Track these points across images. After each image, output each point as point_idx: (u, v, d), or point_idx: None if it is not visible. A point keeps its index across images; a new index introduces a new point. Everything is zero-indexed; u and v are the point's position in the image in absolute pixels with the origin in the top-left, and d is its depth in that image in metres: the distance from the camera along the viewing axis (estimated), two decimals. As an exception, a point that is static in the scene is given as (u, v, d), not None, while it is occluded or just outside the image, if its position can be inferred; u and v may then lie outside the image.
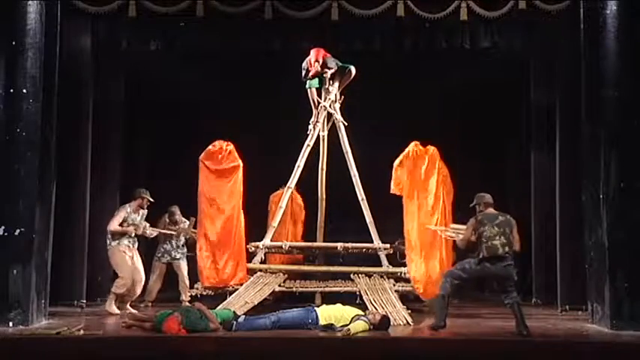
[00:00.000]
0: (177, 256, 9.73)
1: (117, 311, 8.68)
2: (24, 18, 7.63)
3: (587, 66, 8.14)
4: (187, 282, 9.48)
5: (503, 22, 9.34)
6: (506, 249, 7.19)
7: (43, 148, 7.71)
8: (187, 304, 8.96)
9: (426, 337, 7.29)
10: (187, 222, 9.71)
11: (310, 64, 9.41)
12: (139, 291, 9.09)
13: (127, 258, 8.86)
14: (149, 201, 9.07)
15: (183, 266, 9.66)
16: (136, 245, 9.10)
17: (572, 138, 9.16)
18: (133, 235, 8.96)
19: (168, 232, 9.62)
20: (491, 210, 7.48)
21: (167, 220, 9.80)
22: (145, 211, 9.15)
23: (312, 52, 9.42)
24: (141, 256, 9.24)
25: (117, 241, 8.88)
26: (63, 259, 8.97)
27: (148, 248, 10.71)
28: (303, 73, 9.53)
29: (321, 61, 9.36)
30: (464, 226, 7.71)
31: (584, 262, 8.18)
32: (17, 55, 7.58)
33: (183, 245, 9.79)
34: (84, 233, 9.57)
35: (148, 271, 9.92)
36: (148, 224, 9.17)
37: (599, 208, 7.76)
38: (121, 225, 8.88)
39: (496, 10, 9.00)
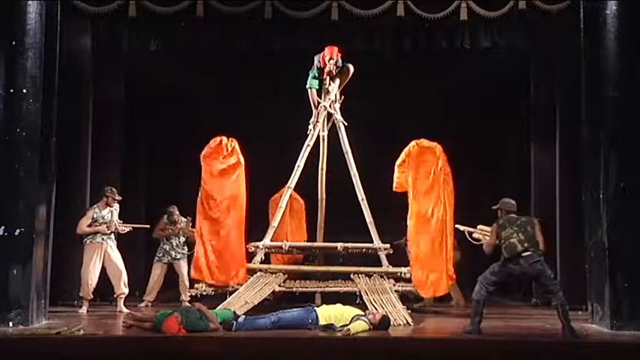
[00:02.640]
0: (178, 256, 9.74)
1: (84, 312, 8.83)
2: (24, 18, 7.63)
3: (587, 66, 8.14)
4: (187, 282, 9.48)
5: (503, 22, 9.35)
6: (526, 245, 7.05)
7: (43, 148, 7.71)
8: (187, 304, 8.98)
9: (426, 337, 7.30)
10: (185, 220, 9.72)
11: (324, 61, 9.39)
12: (123, 287, 9.08)
13: (93, 258, 8.97)
14: (114, 199, 9.13)
15: (184, 266, 9.65)
16: (113, 242, 9.14)
17: (572, 138, 9.17)
18: (109, 232, 9.04)
19: (140, 226, 9.65)
20: (512, 215, 7.38)
21: (166, 220, 9.81)
22: (116, 208, 9.19)
23: (327, 49, 9.38)
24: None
25: (89, 239, 9.03)
26: (63, 259, 8.98)
27: (148, 248, 10.73)
28: (315, 68, 9.49)
29: (335, 59, 9.35)
30: (489, 228, 7.65)
31: (584, 262, 8.18)
32: (17, 55, 7.57)
33: (183, 245, 9.79)
34: (84, 233, 9.57)
35: (149, 271, 9.96)
36: (120, 221, 9.19)
37: (599, 208, 7.76)
38: (91, 225, 9.01)
39: (496, 10, 9.01)
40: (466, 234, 8.35)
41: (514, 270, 7.12)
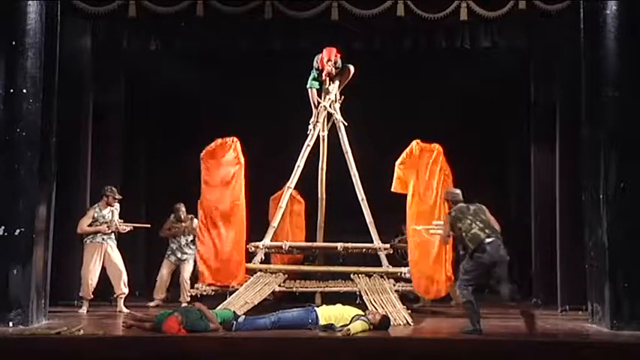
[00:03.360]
0: (184, 257, 9.66)
1: (84, 312, 8.83)
2: (24, 18, 7.63)
3: (587, 66, 8.14)
4: (188, 283, 9.41)
5: (503, 22, 9.34)
6: (487, 232, 7.21)
7: (43, 148, 7.71)
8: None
9: (426, 337, 7.30)
10: (190, 217, 9.65)
11: (322, 63, 9.40)
12: (123, 287, 9.04)
13: (93, 258, 8.96)
14: (114, 198, 9.12)
15: (188, 267, 9.60)
16: (113, 242, 9.12)
17: (572, 138, 9.16)
18: (109, 231, 9.02)
19: (140, 225, 9.60)
20: (461, 205, 7.56)
21: (172, 218, 9.77)
22: (116, 208, 9.17)
23: (325, 51, 9.40)
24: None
25: (89, 239, 9.02)
26: (63, 259, 8.97)
27: (149, 248, 10.72)
28: (315, 72, 9.51)
29: (333, 60, 9.35)
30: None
31: (584, 262, 8.18)
32: (17, 55, 7.58)
33: (192, 243, 9.63)
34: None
35: (150, 271, 9.94)
36: (120, 220, 9.16)
37: (599, 208, 7.76)
38: (92, 224, 9.00)
39: (496, 10, 8.99)
40: (423, 232, 8.47)
41: (483, 258, 7.17)
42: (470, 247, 7.24)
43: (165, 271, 9.71)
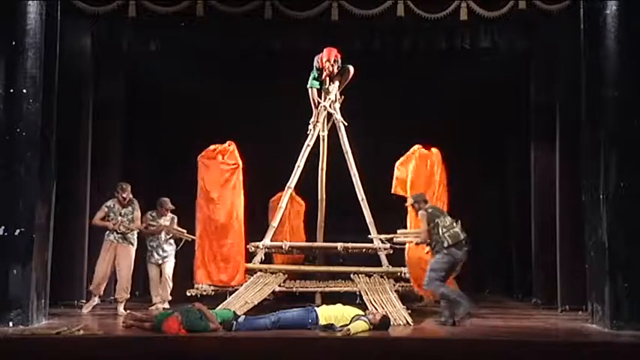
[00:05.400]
0: (164, 254, 9.25)
1: (87, 310, 8.82)
2: (24, 18, 7.64)
3: (587, 66, 8.14)
4: (170, 282, 9.16)
5: (503, 22, 9.34)
6: (465, 234, 7.77)
7: (43, 148, 7.72)
8: (167, 304, 8.90)
9: (426, 337, 7.30)
10: (173, 218, 9.37)
11: (322, 63, 9.40)
12: (122, 292, 8.87)
13: (103, 255, 8.92)
14: (123, 197, 8.94)
15: (169, 264, 9.24)
16: (128, 243, 8.95)
17: (572, 138, 9.17)
18: (120, 229, 8.89)
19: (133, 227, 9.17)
20: (433, 205, 8.14)
21: (149, 216, 9.32)
22: (134, 207, 9.01)
23: (325, 51, 9.40)
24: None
25: (105, 235, 8.98)
26: (63, 259, 8.97)
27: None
28: (315, 72, 9.52)
29: (333, 60, 9.36)
30: (409, 230, 8.52)
31: (584, 262, 8.18)
32: (17, 55, 7.58)
33: (171, 240, 9.30)
34: (84, 233, 9.56)
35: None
36: (125, 220, 8.95)
37: (599, 208, 7.76)
38: (104, 219, 8.96)
39: (496, 10, 8.99)
40: (403, 238, 8.66)
41: (457, 255, 7.75)
42: (447, 242, 7.71)
43: (153, 274, 9.29)
